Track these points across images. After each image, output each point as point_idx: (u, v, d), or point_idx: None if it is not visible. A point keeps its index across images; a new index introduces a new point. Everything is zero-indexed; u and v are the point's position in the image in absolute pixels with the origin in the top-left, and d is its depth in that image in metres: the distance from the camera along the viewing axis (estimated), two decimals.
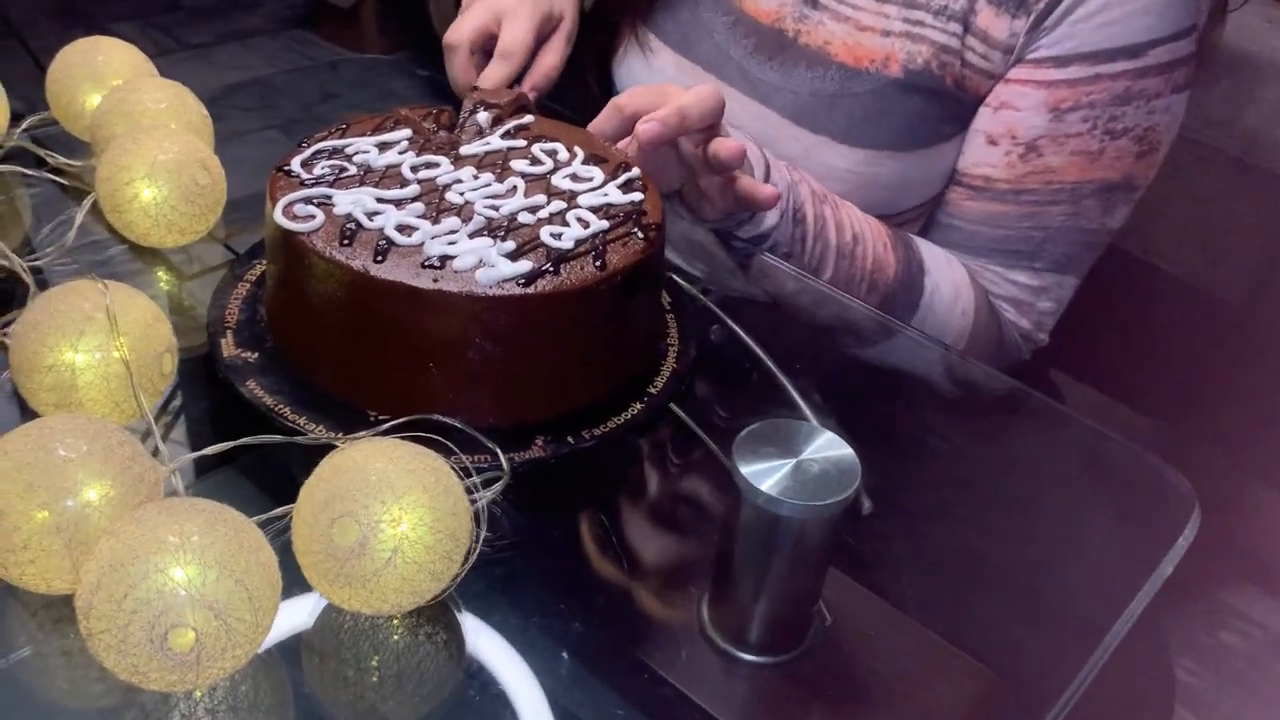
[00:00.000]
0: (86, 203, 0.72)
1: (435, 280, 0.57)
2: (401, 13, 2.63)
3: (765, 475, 0.59)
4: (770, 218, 0.79)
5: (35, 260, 0.71)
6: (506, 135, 0.70)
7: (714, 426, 0.67)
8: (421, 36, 0.85)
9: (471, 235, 0.60)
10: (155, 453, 0.56)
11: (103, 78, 0.79)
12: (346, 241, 0.58)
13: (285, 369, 0.63)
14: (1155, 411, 1.23)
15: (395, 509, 0.47)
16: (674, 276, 0.77)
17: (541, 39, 0.85)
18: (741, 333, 0.74)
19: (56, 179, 0.80)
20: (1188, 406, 1.21)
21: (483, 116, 0.72)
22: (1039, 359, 1.04)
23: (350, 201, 0.61)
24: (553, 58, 0.85)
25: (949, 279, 0.85)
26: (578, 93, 1.02)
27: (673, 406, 0.66)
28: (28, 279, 0.66)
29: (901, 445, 0.71)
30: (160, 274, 0.76)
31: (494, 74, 0.81)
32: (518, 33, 0.81)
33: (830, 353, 0.81)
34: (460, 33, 0.81)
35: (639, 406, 0.64)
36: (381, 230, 0.59)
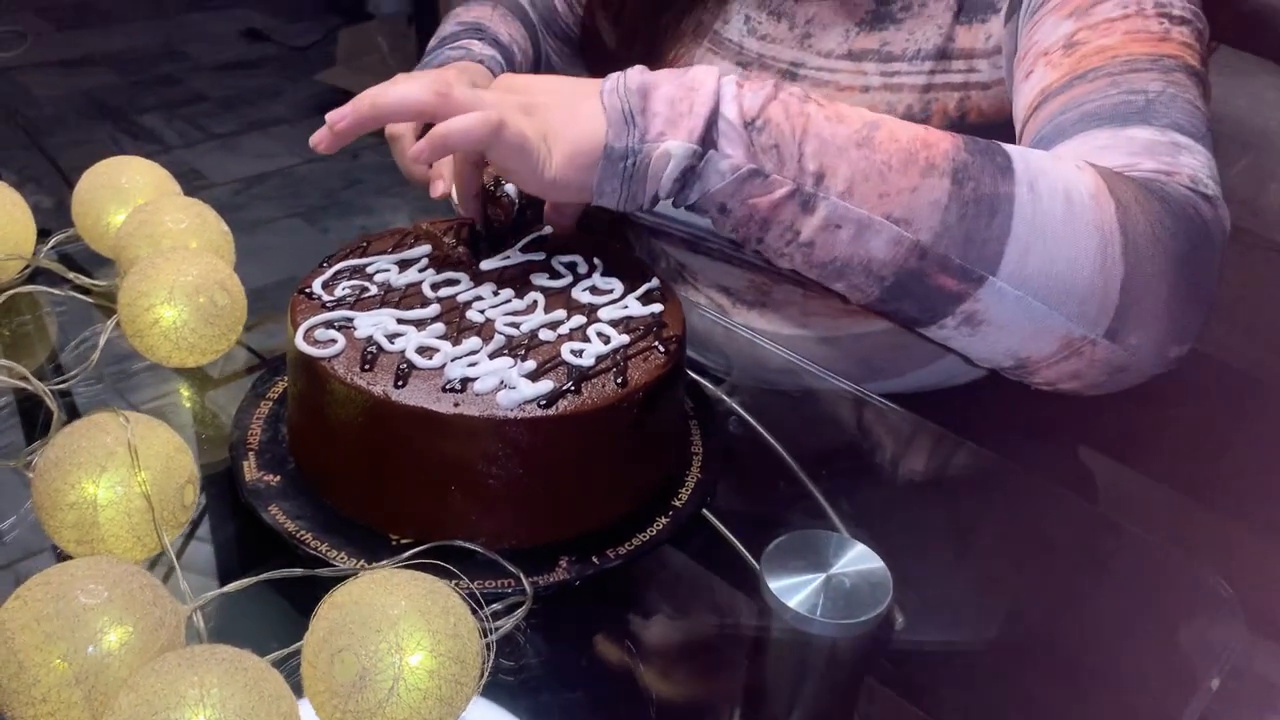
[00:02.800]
0: (109, 325, 0.72)
1: (456, 404, 0.57)
2: None
3: (794, 591, 0.59)
4: (679, 149, 0.59)
5: (61, 383, 0.71)
6: (526, 248, 0.71)
7: (740, 534, 0.65)
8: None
9: (492, 355, 0.60)
10: (168, 577, 0.55)
11: (127, 197, 0.80)
12: (367, 366, 0.58)
13: (307, 492, 0.63)
14: (1190, 490, 1.21)
15: (391, 636, 0.46)
16: (696, 377, 0.77)
17: None
18: (767, 435, 0.73)
19: (83, 297, 0.81)
20: (1222, 485, 1.18)
21: (511, 188, 0.72)
22: (1067, 434, 1.01)
23: (371, 324, 0.61)
24: None
25: (1035, 150, 0.63)
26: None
27: (705, 513, 0.65)
28: (52, 404, 0.66)
29: (934, 552, 0.69)
30: (183, 390, 0.77)
31: None
32: None
33: (858, 452, 0.80)
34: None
35: (664, 521, 0.63)
36: (402, 353, 0.59)
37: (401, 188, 2.67)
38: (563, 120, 0.61)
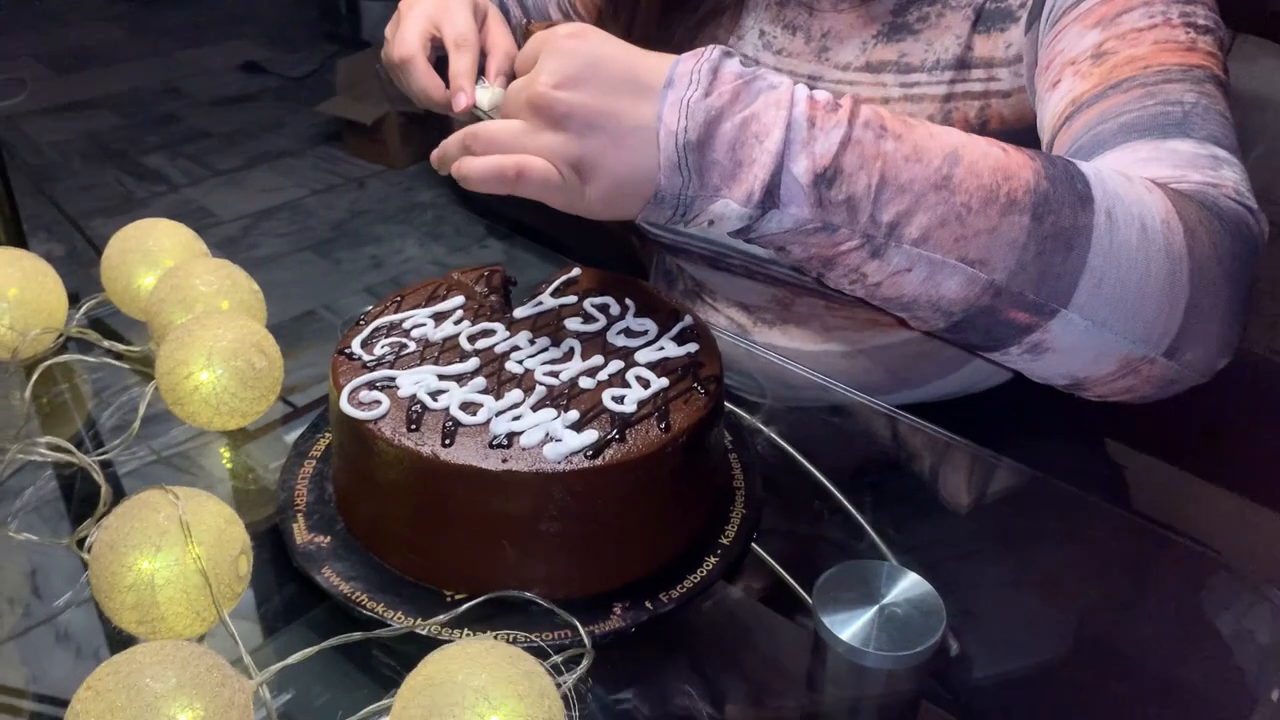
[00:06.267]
0: (148, 391, 0.72)
1: (504, 460, 0.57)
2: (423, 125, 2.69)
3: (847, 623, 0.59)
4: (733, 210, 0.56)
5: (104, 454, 0.72)
6: (557, 293, 0.71)
7: (788, 563, 0.66)
8: None
9: (535, 407, 0.60)
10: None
11: (155, 259, 0.80)
12: (414, 426, 0.59)
13: (358, 551, 0.63)
14: (1212, 477, 1.21)
15: (486, 710, 0.46)
16: (732, 407, 0.77)
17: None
18: (809, 465, 0.73)
19: (116, 363, 0.81)
20: (1242, 471, 1.18)
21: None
22: (1091, 431, 1.01)
23: (414, 382, 0.61)
24: (502, 40, 0.79)
25: (1105, 167, 0.61)
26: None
27: (755, 547, 0.65)
28: (99, 478, 0.67)
29: (982, 573, 0.69)
30: (222, 451, 0.77)
31: (460, 64, 0.75)
32: (461, 22, 0.77)
33: (894, 468, 0.80)
34: (409, 44, 0.76)
35: (713, 560, 0.63)
36: (447, 410, 0.60)
37: (409, 213, 2.69)
38: (605, 147, 0.56)
